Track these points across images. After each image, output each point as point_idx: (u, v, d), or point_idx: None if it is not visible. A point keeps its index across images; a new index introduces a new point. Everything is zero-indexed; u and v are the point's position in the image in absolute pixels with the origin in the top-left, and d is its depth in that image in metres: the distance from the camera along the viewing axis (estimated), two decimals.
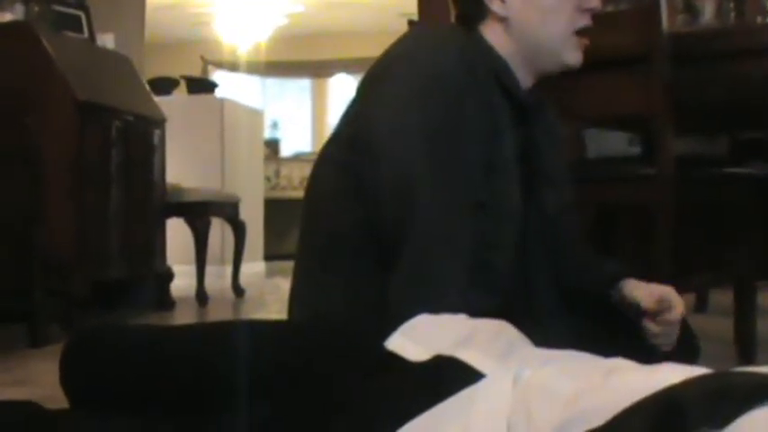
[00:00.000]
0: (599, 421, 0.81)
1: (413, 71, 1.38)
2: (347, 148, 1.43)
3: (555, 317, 1.53)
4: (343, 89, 10.04)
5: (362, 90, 1.46)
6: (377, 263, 1.38)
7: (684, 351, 1.52)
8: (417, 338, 1.12)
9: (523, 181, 1.47)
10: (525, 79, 1.49)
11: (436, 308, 1.23)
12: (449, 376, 1.01)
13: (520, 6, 1.43)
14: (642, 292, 1.51)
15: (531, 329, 1.20)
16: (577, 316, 1.55)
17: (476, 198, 1.36)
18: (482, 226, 1.36)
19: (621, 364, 1.02)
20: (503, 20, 1.45)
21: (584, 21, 1.45)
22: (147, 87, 4.55)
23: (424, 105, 1.34)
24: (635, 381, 0.90)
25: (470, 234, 1.35)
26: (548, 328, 1.43)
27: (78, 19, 4.10)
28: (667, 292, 1.50)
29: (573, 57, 1.47)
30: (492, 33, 1.47)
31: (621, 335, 1.50)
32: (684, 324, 1.66)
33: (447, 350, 1.06)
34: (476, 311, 1.22)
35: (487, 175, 1.38)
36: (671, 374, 0.88)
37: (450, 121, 1.35)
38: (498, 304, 1.34)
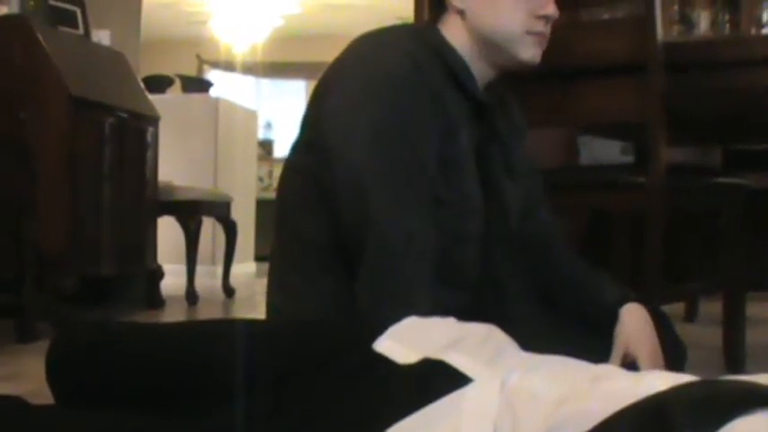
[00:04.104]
0: (585, 427, 0.81)
1: (361, 73, 1.39)
2: (305, 152, 1.44)
3: (523, 307, 1.52)
4: None
5: (316, 95, 1.47)
6: (345, 266, 1.39)
7: (672, 358, 1.52)
8: (405, 341, 1.12)
9: (484, 176, 1.47)
10: (485, 73, 1.49)
11: (403, 308, 1.22)
12: (436, 380, 1.01)
13: (476, 1, 1.45)
14: (642, 355, 1.46)
15: (499, 320, 1.20)
16: (548, 306, 1.55)
17: (432, 195, 1.36)
18: (443, 222, 1.37)
19: (609, 371, 1.02)
20: (461, 13, 1.46)
21: (539, 27, 1.45)
22: (142, 85, 4.54)
23: (372, 106, 1.35)
24: (622, 387, 0.90)
25: (431, 231, 1.35)
26: (515, 318, 1.43)
27: (74, 14, 4.09)
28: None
29: (528, 53, 1.46)
30: (452, 27, 1.48)
31: (595, 331, 1.49)
32: (671, 331, 1.66)
33: (435, 353, 1.06)
34: (445, 308, 1.22)
35: (444, 171, 1.38)
36: (658, 381, 0.88)
37: (400, 119, 1.35)
38: (467, 299, 1.34)
